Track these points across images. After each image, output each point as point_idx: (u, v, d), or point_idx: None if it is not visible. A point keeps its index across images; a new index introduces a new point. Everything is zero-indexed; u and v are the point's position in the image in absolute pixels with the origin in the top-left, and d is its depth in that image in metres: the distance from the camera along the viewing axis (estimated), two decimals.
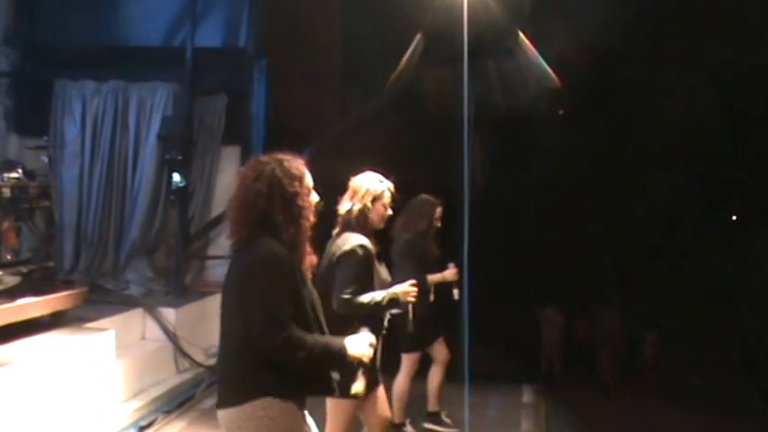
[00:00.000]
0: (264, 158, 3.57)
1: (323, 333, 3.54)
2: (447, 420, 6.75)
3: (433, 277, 6.28)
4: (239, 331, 3.36)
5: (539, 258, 11.49)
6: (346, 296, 4.50)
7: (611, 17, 8.95)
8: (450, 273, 6.31)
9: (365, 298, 4.56)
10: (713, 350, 10.38)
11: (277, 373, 3.34)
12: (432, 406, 6.75)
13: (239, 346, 3.38)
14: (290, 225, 3.46)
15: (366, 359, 3.67)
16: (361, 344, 3.64)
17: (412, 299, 4.79)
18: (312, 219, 3.57)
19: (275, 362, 3.33)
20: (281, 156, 3.57)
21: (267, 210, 3.44)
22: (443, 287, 6.39)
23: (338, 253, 4.62)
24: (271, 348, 3.28)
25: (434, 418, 6.74)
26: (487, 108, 8.38)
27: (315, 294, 3.61)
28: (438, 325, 6.58)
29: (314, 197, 3.63)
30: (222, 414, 3.44)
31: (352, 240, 4.65)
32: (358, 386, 3.95)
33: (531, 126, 10.28)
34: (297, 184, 3.50)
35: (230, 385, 3.43)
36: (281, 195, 3.45)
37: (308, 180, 3.59)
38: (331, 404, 4.67)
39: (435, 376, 6.66)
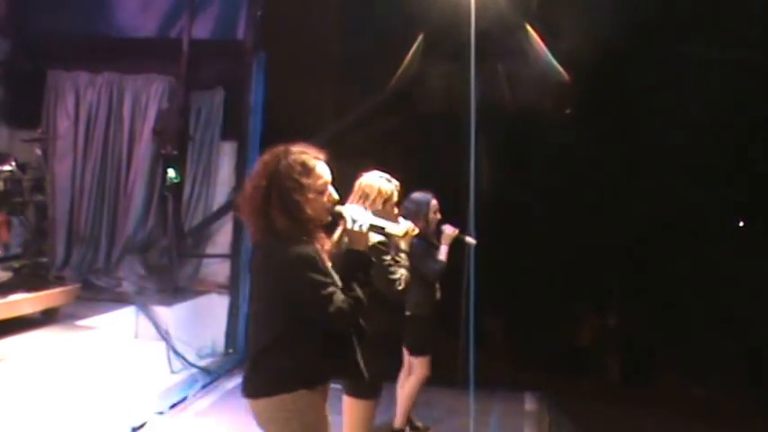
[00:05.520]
0: (275, 150, 3.49)
1: None
2: (419, 424, 6.58)
3: (442, 254, 6.12)
4: (268, 325, 3.43)
5: (545, 260, 11.40)
6: (397, 277, 4.59)
7: (621, 13, 8.85)
8: (446, 236, 6.15)
9: (403, 271, 4.66)
10: (719, 359, 10.29)
11: (308, 364, 3.38)
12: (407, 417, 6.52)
13: (267, 339, 3.42)
14: (284, 219, 3.39)
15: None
16: (355, 230, 3.56)
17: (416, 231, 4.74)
18: (318, 214, 3.46)
19: (307, 353, 3.38)
20: (293, 147, 3.48)
21: (265, 203, 3.39)
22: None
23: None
24: (342, 325, 3.39)
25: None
26: (494, 105, 8.24)
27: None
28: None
29: (328, 194, 3.51)
30: (253, 404, 3.46)
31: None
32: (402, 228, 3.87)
33: (538, 124, 10.16)
34: (297, 177, 3.41)
35: (262, 376, 3.44)
36: (278, 188, 3.39)
37: (318, 174, 3.47)
38: (349, 406, 4.62)
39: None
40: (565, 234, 11.38)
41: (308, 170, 3.43)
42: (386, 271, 4.52)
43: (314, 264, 3.35)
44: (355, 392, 4.58)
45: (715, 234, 11.83)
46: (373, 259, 3.62)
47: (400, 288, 4.58)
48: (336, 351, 3.44)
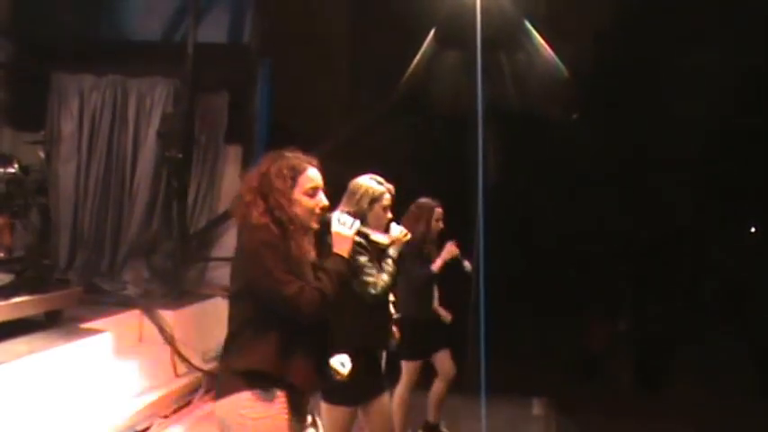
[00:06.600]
0: (270, 154, 3.52)
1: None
2: None
3: (436, 265, 6.05)
4: (233, 322, 3.39)
5: (551, 263, 11.35)
6: (371, 279, 4.39)
7: (627, 16, 8.84)
8: (447, 251, 6.07)
9: (384, 276, 4.44)
10: (733, 364, 10.20)
11: (264, 365, 3.28)
12: (432, 417, 6.49)
13: (230, 336, 3.38)
14: (261, 217, 3.36)
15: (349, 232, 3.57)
16: (340, 232, 3.54)
17: (408, 236, 4.69)
18: (303, 217, 3.43)
19: (263, 353, 3.27)
20: (288, 152, 3.49)
21: (250, 203, 3.39)
22: (450, 288, 6.19)
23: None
24: (308, 316, 3.28)
25: (433, 430, 6.51)
26: (501, 108, 8.21)
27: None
28: (441, 334, 6.37)
29: (317, 199, 3.48)
30: (215, 407, 3.42)
31: None
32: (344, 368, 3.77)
33: (545, 126, 10.12)
34: (283, 180, 3.40)
35: (221, 376, 3.42)
36: (265, 190, 3.39)
37: (308, 179, 3.46)
38: (325, 412, 4.47)
39: (437, 390, 6.42)
40: (576, 238, 11.36)
41: (296, 173, 3.43)
42: (359, 272, 4.35)
43: (277, 249, 3.30)
44: (327, 398, 4.43)
45: (728, 238, 11.80)
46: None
47: (373, 293, 4.38)
48: (296, 353, 3.33)
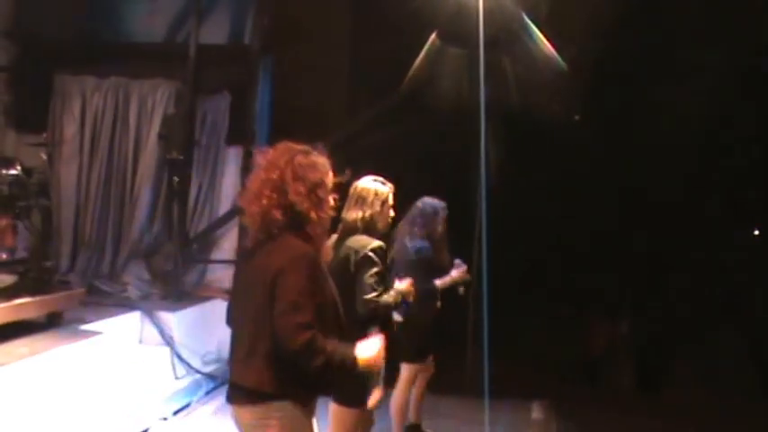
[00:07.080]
0: (288, 145, 3.42)
1: (342, 330, 3.42)
2: None
3: (443, 281, 6.07)
4: (264, 330, 3.23)
5: (556, 265, 11.36)
6: (372, 297, 4.36)
7: (630, 16, 8.83)
8: (458, 273, 6.11)
9: (388, 298, 4.46)
10: (733, 366, 10.18)
11: (294, 375, 3.23)
12: (414, 417, 6.49)
13: (260, 345, 3.25)
14: (315, 214, 3.33)
15: (376, 367, 3.53)
16: (371, 350, 3.45)
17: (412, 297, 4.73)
18: (331, 214, 3.46)
19: (293, 364, 3.20)
20: (306, 147, 3.45)
21: (292, 197, 3.29)
22: (447, 291, 6.21)
23: (359, 255, 4.42)
24: (293, 351, 3.15)
25: (415, 430, 6.52)
26: (502, 108, 8.20)
27: (335, 291, 3.46)
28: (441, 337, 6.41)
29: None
30: (237, 411, 3.38)
31: (370, 243, 4.47)
32: (372, 398, 3.88)
33: (547, 127, 10.09)
34: (321, 175, 3.37)
35: (247, 384, 3.31)
36: (307, 184, 3.32)
37: (331, 180, 3.46)
38: (334, 413, 4.54)
39: (419, 390, 6.41)
40: (577, 240, 11.34)
41: (327, 171, 3.43)
42: (364, 287, 4.35)
43: (314, 268, 3.25)
44: (341, 400, 4.47)
45: (730, 242, 11.77)
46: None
47: (366, 308, 4.34)
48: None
